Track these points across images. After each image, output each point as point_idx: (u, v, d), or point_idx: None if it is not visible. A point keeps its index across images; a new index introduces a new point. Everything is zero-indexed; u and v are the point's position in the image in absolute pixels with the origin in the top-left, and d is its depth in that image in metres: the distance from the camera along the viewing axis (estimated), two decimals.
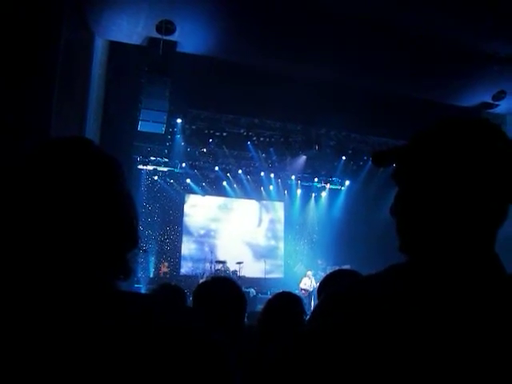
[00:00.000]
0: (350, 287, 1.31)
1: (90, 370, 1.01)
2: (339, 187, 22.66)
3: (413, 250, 1.25)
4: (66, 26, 8.01)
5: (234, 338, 3.01)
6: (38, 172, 1.11)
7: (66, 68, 8.19)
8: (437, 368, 1.08)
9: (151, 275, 19.33)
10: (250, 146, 18.97)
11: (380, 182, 20.16)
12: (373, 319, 1.15)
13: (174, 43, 10.80)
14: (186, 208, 21.30)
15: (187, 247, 20.97)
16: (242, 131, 18.23)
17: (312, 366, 1.19)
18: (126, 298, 1.16)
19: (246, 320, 3.76)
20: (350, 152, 19.53)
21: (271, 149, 19.41)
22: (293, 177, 21.67)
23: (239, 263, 18.98)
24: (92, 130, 10.81)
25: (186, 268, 20.59)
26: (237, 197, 21.74)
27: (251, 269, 20.28)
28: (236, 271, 18.86)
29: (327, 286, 3.28)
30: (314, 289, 17.94)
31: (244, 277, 18.70)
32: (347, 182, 22.21)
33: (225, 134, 18.16)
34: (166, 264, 19.83)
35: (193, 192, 21.13)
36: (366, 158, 19.96)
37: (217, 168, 20.25)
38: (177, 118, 17.00)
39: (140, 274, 18.24)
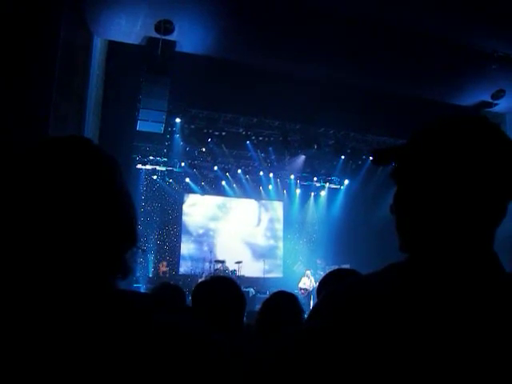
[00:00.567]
0: (349, 286, 1.30)
1: (89, 369, 1.01)
2: (338, 186, 22.66)
3: (412, 249, 1.25)
4: (64, 25, 8.01)
5: (233, 337, 3.01)
6: (37, 171, 1.11)
7: (64, 67, 8.19)
8: (436, 366, 1.08)
9: (150, 275, 19.33)
10: (249, 146, 18.97)
11: (379, 181, 20.18)
12: (372, 318, 1.15)
13: (173, 43, 10.80)
14: (185, 207, 21.30)
15: (186, 247, 20.96)
16: (240, 130, 18.23)
17: (311, 364, 1.18)
18: (125, 297, 1.16)
19: (245, 319, 3.77)
20: (348, 151, 19.53)
21: (270, 148, 19.41)
22: (292, 176, 21.67)
23: (238, 263, 18.98)
24: (91, 130, 10.80)
25: (184, 267, 20.58)
26: (236, 196, 21.75)
27: (250, 268, 20.28)
28: (235, 271, 18.86)
29: (327, 285, 3.27)
30: (313, 288, 17.94)
31: (243, 276, 18.70)
32: (346, 182, 22.20)
33: (224, 133, 18.15)
34: (165, 263, 19.82)
35: (192, 191, 21.14)
36: (364, 157, 19.98)
37: (216, 167, 20.25)
38: (176, 117, 16.99)
39: (139, 274, 18.24)
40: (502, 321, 1.12)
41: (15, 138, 6.40)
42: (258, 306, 11.73)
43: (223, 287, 3.28)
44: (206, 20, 10.24)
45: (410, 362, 1.10)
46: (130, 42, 11.01)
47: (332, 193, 22.85)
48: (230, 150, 19.60)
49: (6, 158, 1.13)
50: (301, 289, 18.16)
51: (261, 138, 18.67)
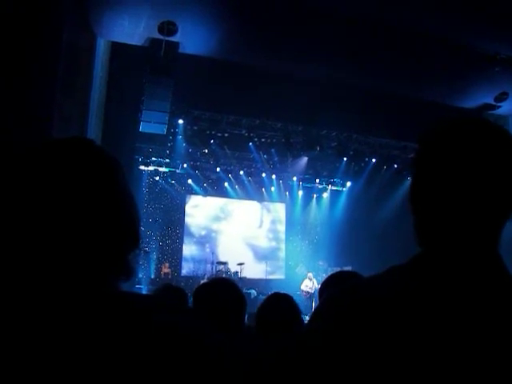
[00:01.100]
0: (351, 289, 1.30)
1: (89, 370, 1.01)
2: (341, 188, 22.66)
3: (426, 246, 1.26)
4: (67, 26, 8.02)
5: (234, 337, 3.02)
6: (40, 172, 1.11)
7: (67, 68, 8.20)
8: (437, 369, 1.08)
9: (152, 276, 19.32)
10: (252, 147, 18.97)
11: (381, 183, 20.21)
12: (373, 321, 1.15)
13: (176, 44, 10.82)
14: (188, 209, 21.30)
15: (188, 248, 20.97)
16: (243, 132, 18.23)
17: (312, 367, 1.18)
18: (126, 299, 1.16)
19: (246, 321, 3.77)
20: (351, 153, 19.51)
21: (272, 150, 19.41)
22: (294, 178, 21.68)
23: (240, 264, 19.00)
24: (94, 131, 10.81)
25: (187, 269, 20.59)
26: (238, 198, 21.74)
27: (252, 270, 20.29)
28: (237, 272, 18.87)
29: (329, 287, 3.27)
30: (315, 290, 17.95)
31: (245, 278, 18.72)
32: (348, 183, 22.22)
33: (226, 134, 18.17)
34: (167, 265, 19.82)
35: (194, 193, 21.14)
36: (367, 159, 19.97)
37: (218, 169, 20.25)
38: (178, 118, 16.99)
39: (141, 275, 18.23)
40: (506, 324, 1.12)
41: (18, 139, 6.40)
42: None
43: (223, 289, 3.29)
44: (209, 21, 10.26)
45: (410, 365, 1.09)
46: (133, 43, 11.03)
47: (334, 195, 22.85)
48: (233, 151, 19.60)
49: (10, 159, 1.13)
50: (303, 291, 18.15)
51: (263, 140, 18.66)
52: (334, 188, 22.66)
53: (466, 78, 12.20)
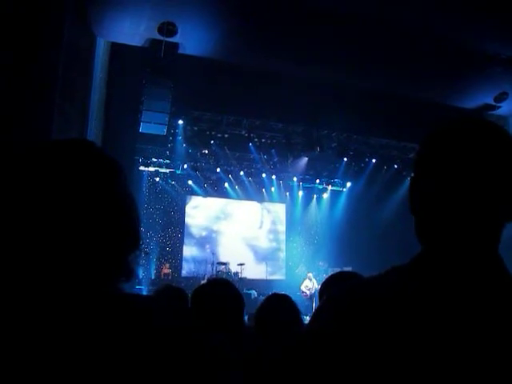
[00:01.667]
0: (351, 290, 1.30)
1: (89, 371, 1.01)
2: (341, 189, 22.67)
3: (427, 246, 1.26)
4: (67, 27, 8.02)
5: (234, 339, 3.02)
6: (40, 174, 1.11)
7: (67, 69, 8.20)
8: (437, 370, 1.08)
9: (153, 277, 19.32)
10: (252, 148, 18.98)
11: (381, 183, 20.22)
12: (373, 322, 1.15)
13: (176, 45, 10.82)
14: (188, 209, 21.31)
15: (189, 249, 20.98)
16: (243, 133, 18.25)
17: (313, 367, 1.18)
18: (127, 300, 1.16)
19: (246, 321, 3.77)
20: (351, 153, 19.54)
21: (273, 150, 19.43)
22: (294, 178, 21.69)
23: (241, 265, 19.01)
24: (94, 132, 10.81)
25: (187, 269, 20.60)
26: (238, 198, 21.75)
27: (253, 270, 20.30)
28: (237, 273, 18.89)
29: (329, 288, 3.28)
30: (315, 291, 17.95)
31: (245, 278, 18.73)
32: (349, 184, 22.24)
33: (226, 135, 18.20)
34: (168, 265, 19.82)
35: (194, 193, 21.14)
36: (367, 159, 19.99)
37: (218, 169, 20.26)
38: (178, 119, 17.01)
39: (141, 276, 18.24)
40: (506, 325, 1.12)
41: (19, 140, 6.40)
42: None
43: (222, 289, 3.30)
44: (209, 22, 10.26)
45: (409, 365, 1.09)
46: (133, 43, 11.04)
47: (334, 195, 22.87)
48: (233, 152, 19.62)
49: (10, 160, 1.13)
50: (303, 291, 18.15)
51: (263, 140, 18.69)
52: (334, 188, 22.68)
53: (465, 79, 12.19)
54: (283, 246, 22.87)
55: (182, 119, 17.18)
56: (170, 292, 4.13)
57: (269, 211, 22.88)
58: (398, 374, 1.09)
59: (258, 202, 22.41)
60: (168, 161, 19.62)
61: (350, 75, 12.37)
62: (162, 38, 10.47)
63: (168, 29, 10.24)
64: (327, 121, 16.43)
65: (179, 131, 17.94)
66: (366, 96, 13.66)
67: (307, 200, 22.98)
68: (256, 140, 18.57)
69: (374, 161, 19.96)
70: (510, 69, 11.49)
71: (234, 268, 19.18)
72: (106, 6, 9.69)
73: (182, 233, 21.02)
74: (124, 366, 1.03)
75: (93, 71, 10.12)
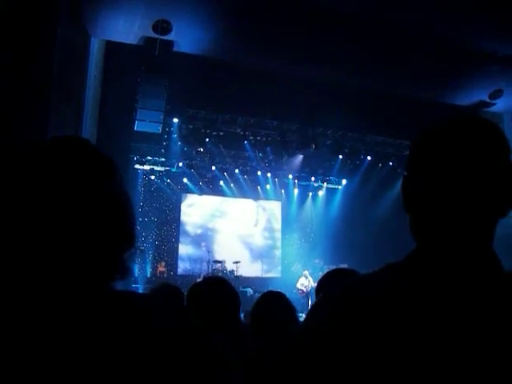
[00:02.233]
0: (347, 287, 1.30)
1: (87, 370, 1.00)
2: (336, 186, 22.71)
3: (421, 243, 1.26)
4: (62, 26, 8.00)
5: (232, 337, 3.02)
6: (35, 172, 1.11)
7: (62, 68, 8.18)
8: (437, 366, 1.08)
9: (148, 275, 19.31)
10: (247, 146, 18.98)
11: (377, 181, 20.25)
12: (369, 319, 1.15)
13: (171, 42, 10.79)
14: (183, 207, 21.29)
15: (184, 247, 20.96)
16: (238, 131, 18.24)
17: (311, 364, 1.18)
18: (124, 298, 1.16)
19: (243, 319, 3.78)
20: (346, 151, 19.57)
21: (268, 148, 19.43)
22: (290, 176, 21.69)
23: (236, 263, 19.02)
24: (89, 130, 10.80)
25: (183, 268, 20.59)
26: (234, 196, 21.75)
27: (248, 268, 20.33)
28: (233, 271, 18.90)
29: (325, 285, 3.28)
30: (311, 288, 17.96)
31: (241, 276, 18.74)
32: (344, 181, 22.26)
33: (221, 133, 18.18)
34: (163, 263, 19.81)
35: (190, 191, 21.14)
36: (362, 156, 20.03)
37: (214, 167, 20.24)
38: (173, 117, 16.99)
39: (137, 274, 18.24)
40: (502, 321, 1.12)
41: (15, 138, 6.39)
42: None
43: (217, 287, 3.30)
44: (204, 20, 10.23)
45: (407, 362, 1.10)
46: (128, 41, 11.00)
47: (330, 192, 22.90)
48: (228, 150, 19.61)
49: (5, 159, 1.13)
50: (299, 289, 18.17)
51: (259, 138, 18.69)
52: (329, 186, 22.71)
53: (462, 77, 12.20)
54: (279, 244, 22.88)
55: (177, 117, 17.16)
56: (166, 290, 4.13)
57: (264, 209, 22.87)
58: (394, 371, 1.09)
59: (254, 199, 22.41)
60: (163, 159, 19.62)
61: (346, 74, 12.37)
62: (156, 35, 10.43)
63: (163, 27, 10.20)
64: (322, 118, 16.44)
65: (174, 129, 17.91)
66: (361, 94, 13.67)
67: (303, 197, 22.99)
68: (251, 138, 18.57)
69: (369, 158, 19.99)
70: (506, 67, 11.51)
71: (229, 266, 19.20)
72: (101, 4, 9.66)
73: (178, 231, 21.00)
74: (123, 366, 1.03)
75: (87, 70, 10.09)
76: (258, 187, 21.98)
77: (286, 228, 23.00)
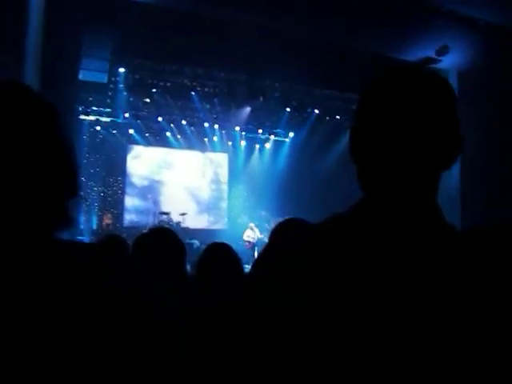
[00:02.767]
0: (293, 237, 1.31)
1: (25, 324, 0.99)
2: (283, 139, 22.77)
3: (367, 194, 1.27)
4: None
5: (176, 287, 3.04)
6: None
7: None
8: (383, 320, 1.10)
9: (94, 227, 19.21)
10: (194, 97, 18.79)
11: (323, 134, 20.36)
12: (314, 268, 1.16)
13: None
14: (129, 159, 21.08)
15: (131, 198, 20.85)
16: (185, 81, 18.04)
17: (260, 314, 1.19)
18: (67, 248, 1.14)
19: (189, 270, 3.80)
20: (294, 104, 19.57)
21: (215, 99, 19.27)
22: (237, 128, 21.61)
23: (183, 214, 19.01)
24: (31, 79, 10.50)
25: (129, 219, 20.52)
26: (181, 148, 21.61)
27: (195, 220, 20.38)
28: (180, 222, 18.90)
29: (278, 234, 3.31)
30: (257, 240, 18.15)
31: (188, 228, 18.77)
32: (291, 134, 22.34)
33: (168, 84, 17.96)
34: (110, 215, 19.70)
35: (136, 143, 20.90)
36: (310, 110, 20.07)
37: (160, 118, 20.02)
38: (119, 67, 16.65)
39: (83, 226, 18.10)
40: (443, 271, 1.14)
41: None
42: None
43: (162, 238, 3.31)
44: None
45: (351, 312, 1.11)
46: None
47: (277, 145, 22.96)
48: (175, 100, 19.36)
49: None
50: (245, 241, 18.33)
51: (206, 90, 18.53)
52: (276, 138, 22.76)
53: (408, 31, 12.25)
54: (225, 196, 22.96)
55: (124, 67, 16.83)
56: (112, 242, 4.11)
57: (211, 161, 22.82)
58: (336, 320, 1.11)
59: (201, 151, 22.31)
60: (109, 109, 19.28)
61: (293, 24, 12.28)
62: None
63: None
64: (271, 71, 16.31)
65: (120, 79, 17.57)
66: (310, 47, 13.59)
67: (250, 150, 23.02)
68: (199, 89, 18.39)
69: (316, 111, 20.06)
70: (451, 22, 11.59)
71: (176, 218, 19.17)
72: None
73: (124, 182, 20.84)
74: (66, 321, 1.02)
75: (28, 17, 9.77)
76: (205, 139, 21.86)
77: (232, 180, 23.04)
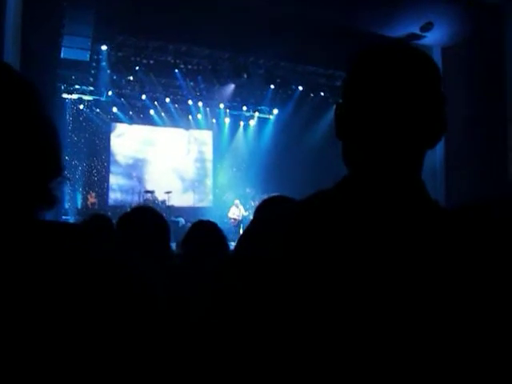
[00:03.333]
0: (278, 213, 1.32)
1: (8, 303, 0.99)
2: (268, 116, 22.72)
3: (352, 170, 1.28)
4: None
5: (160, 264, 3.05)
6: None
7: None
8: (364, 297, 1.10)
9: (79, 206, 19.13)
10: (178, 74, 18.63)
11: (308, 110, 20.32)
12: (298, 241, 1.17)
13: None
14: (113, 137, 20.96)
15: (115, 177, 20.77)
16: (169, 59, 17.87)
17: (246, 291, 1.20)
18: (47, 227, 1.13)
19: (175, 248, 3.81)
20: (278, 81, 19.48)
21: (199, 77, 19.13)
22: (221, 105, 21.51)
23: (168, 193, 18.97)
24: (11, 58, 10.38)
25: (114, 198, 20.46)
26: (165, 125, 21.50)
27: (180, 198, 20.35)
28: (165, 201, 18.88)
29: (263, 211, 3.32)
30: (242, 217, 18.18)
31: (173, 206, 18.75)
32: (275, 111, 22.28)
33: (152, 61, 17.78)
34: (94, 194, 19.59)
35: (119, 121, 20.77)
36: (294, 86, 20.01)
37: (144, 96, 19.85)
38: (102, 44, 16.46)
39: (67, 206, 18.03)
40: (429, 246, 1.15)
41: None
42: None
43: (145, 216, 3.32)
44: None
45: (338, 290, 1.11)
46: None
47: (261, 122, 22.93)
48: (159, 78, 19.20)
49: None
50: (230, 218, 18.36)
51: (190, 67, 18.36)
52: (261, 115, 22.71)
53: (392, 6, 12.24)
54: (210, 173, 22.95)
55: (106, 44, 16.64)
56: (97, 221, 4.11)
57: (195, 138, 22.74)
58: (322, 299, 1.11)
59: (185, 129, 22.22)
60: (92, 88, 19.07)
61: (277, 1, 12.22)
62: None
63: None
64: (255, 47, 16.23)
65: (103, 57, 17.36)
66: (293, 23, 13.53)
67: (234, 127, 22.97)
68: (182, 66, 18.22)
69: (300, 88, 20.00)
70: None
71: (161, 196, 19.14)
72: None
73: (108, 161, 20.73)
74: (49, 300, 1.01)
75: None
76: (190, 116, 21.76)
77: (217, 157, 23.01)
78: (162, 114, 21.02)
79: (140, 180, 20.42)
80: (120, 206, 18.73)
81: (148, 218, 3.30)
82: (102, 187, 20.37)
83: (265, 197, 3.33)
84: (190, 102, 20.83)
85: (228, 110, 22.05)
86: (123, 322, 1.09)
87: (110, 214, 13.04)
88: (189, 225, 3.91)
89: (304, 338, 1.10)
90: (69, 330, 1.01)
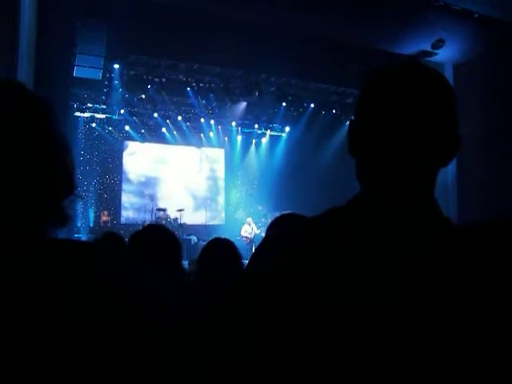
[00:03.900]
0: (289, 230, 1.32)
1: (21, 317, 0.99)
2: (280, 133, 22.76)
3: (365, 189, 1.27)
4: None
5: (171, 282, 3.04)
6: None
7: None
8: (375, 312, 1.10)
9: (91, 224, 19.18)
10: (190, 92, 18.74)
11: (320, 128, 20.35)
12: (309, 261, 1.17)
13: None
14: (125, 156, 21.03)
15: (127, 195, 20.82)
16: (181, 77, 17.98)
17: (255, 306, 1.19)
18: (59, 245, 1.13)
19: (187, 266, 3.81)
20: (290, 98, 19.54)
21: (211, 95, 19.21)
22: (233, 123, 21.59)
23: (180, 210, 18.99)
24: (25, 77, 10.47)
25: (126, 216, 20.49)
26: (176, 144, 21.56)
27: (192, 216, 20.36)
28: (177, 219, 18.90)
29: (274, 229, 3.31)
30: (254, 235, 18.16)
31: (185, 224, 18.75)
32: (287, 129, 22.32)
33: (164, 79, 17.89)
34: (106, 213, 19.64)
35: (132, 139, 20.85)
36: (306, 104, 20.05)
37: (156, 114, 19.97)
38: (114, 63, 16.57)
39: (80, 224, 18.08)
40: (441, 264, 1.14)
41: None
42: None
43: (156, 234, 3.31)
44: None
45: (347, 303, 1.11)
46: None
47: (273, 140, 22.97)
48: (170, 96, 19.32)
49: None
50: (243, 236, 18.34)
51: (201, 85, 18.46)
52: (272, 133, 22.76)
53: (404, 24, 12.26)
54: (222, 191, 22.96)
55: (118, 63, 16.76)
56: (110, 240, 4.11)
57: (207, 156, 22.80)
58: (337, 309, 1.11)
59: (197, 147, 22.28)
60: (104, 106, 19.20)
61: (289, 19, 12.28)
62: None
63: None
64: (266, 65, 16.30)
65: (115, 75, 17.50)
66: (304, 41, 13.59)
67: (246, 145, 23.01)
68: (194, 84, 18.32)
69: (312, 106, 20.04)
70: (447, 15, 11.61)
71: (173, 214, 19.18)
72: None
73: (120, 179, 20.80)
74: (60, 314, 1.01)
75: (20, 13, 9.72)
76: (201, 134, 21.82)
77: (229, 175, 23.04)
78: (174, 132, 21.10)
79: (152, 198, 20.46)
80: (132, 224, 18.76)
81: (160, 236, 3.30)
82: (115, 205, 20.42)
83: (277, 214, 3.33)
84: (202, 120, 20.90)
85: (240, 128, 22.11)
86: (135, 339, 1.08)
87: (122, 232, 13.06)
88: (201, 243, 3.90)
89: (315, 353, 1.10)
90: (78, 348, 1.01)
